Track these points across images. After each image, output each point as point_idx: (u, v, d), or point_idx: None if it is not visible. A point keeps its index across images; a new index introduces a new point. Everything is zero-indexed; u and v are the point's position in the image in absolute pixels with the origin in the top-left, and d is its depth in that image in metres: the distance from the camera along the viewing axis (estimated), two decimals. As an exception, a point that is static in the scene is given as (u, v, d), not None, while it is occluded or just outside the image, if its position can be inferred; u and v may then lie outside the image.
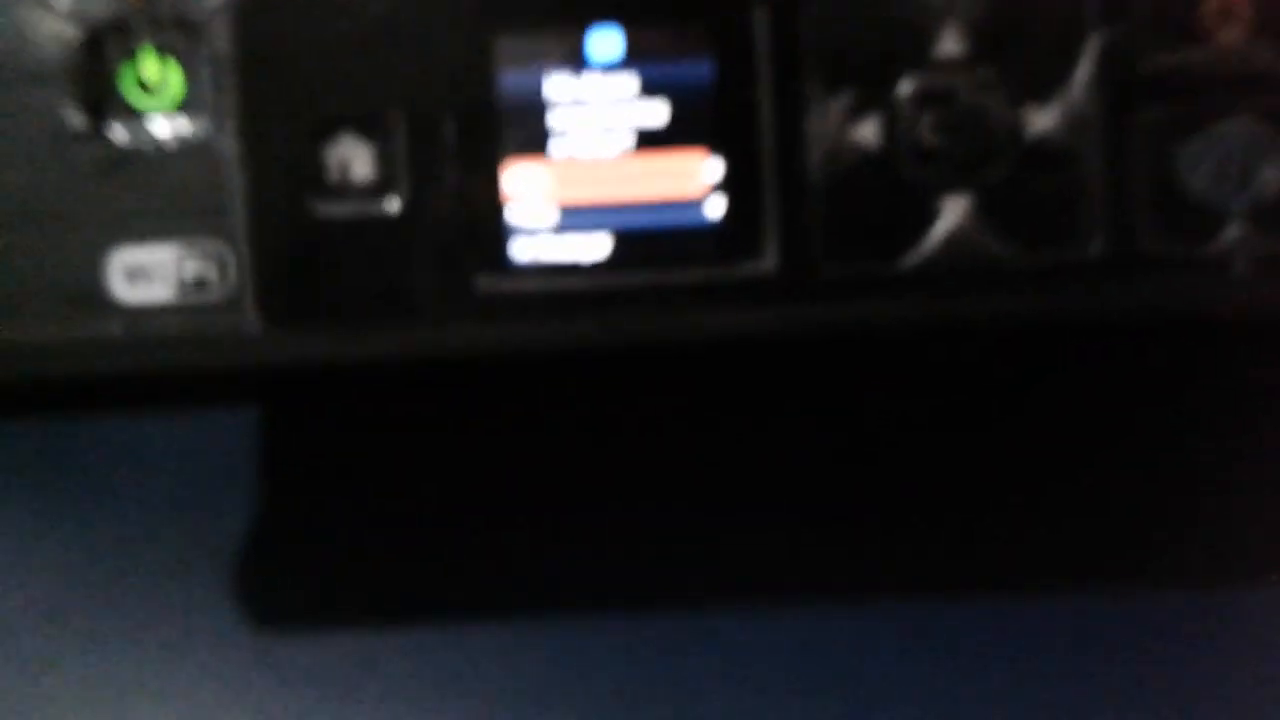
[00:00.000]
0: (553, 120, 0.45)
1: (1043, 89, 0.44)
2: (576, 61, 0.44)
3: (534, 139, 0.45)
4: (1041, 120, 0.44)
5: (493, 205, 0.45)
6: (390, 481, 0.53)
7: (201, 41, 0.44)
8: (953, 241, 0.44)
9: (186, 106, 0.44)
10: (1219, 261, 0.44)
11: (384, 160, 0.44)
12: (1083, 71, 0.43)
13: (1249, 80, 0.43)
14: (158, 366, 0.45)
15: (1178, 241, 0.44)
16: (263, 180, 0.44)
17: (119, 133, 0.44)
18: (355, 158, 0.45)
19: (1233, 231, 0.44)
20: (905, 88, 0.44)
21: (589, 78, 0.44)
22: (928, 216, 0.44)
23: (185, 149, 0.44)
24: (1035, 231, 0.44)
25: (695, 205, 0.45)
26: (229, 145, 0.44)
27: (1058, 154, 0.44)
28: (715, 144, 0.44)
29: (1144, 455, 0.51)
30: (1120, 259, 0.44)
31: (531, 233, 0.45)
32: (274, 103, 0.44)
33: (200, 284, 0.45)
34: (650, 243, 0.45)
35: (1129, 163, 0.44)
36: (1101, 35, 0.43)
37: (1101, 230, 0.44)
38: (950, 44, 0.44)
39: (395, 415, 0.52)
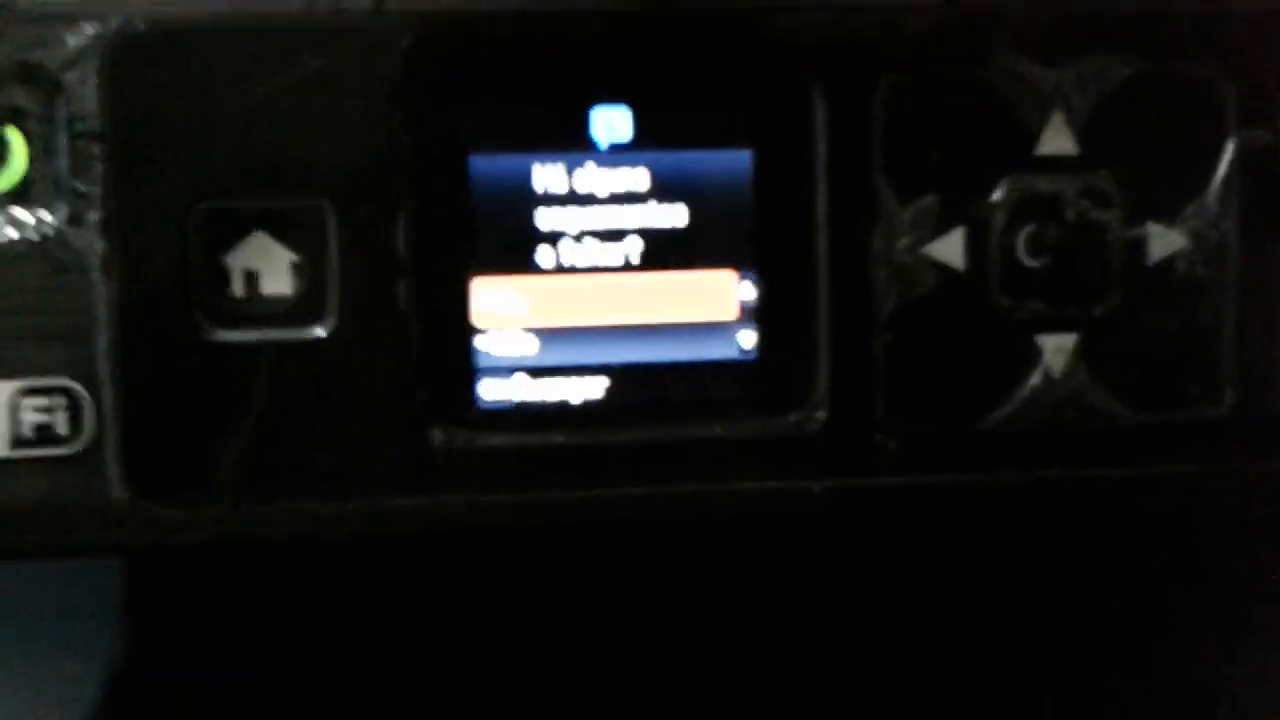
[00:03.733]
0: (538, 222, 0.33)
1: (1169, 201, 0.34)
2: (572, 148, 0.33)
3: (513, 246, 0.33)
4: (1167, 241, 0.34)
5: (456, 332, 0.33)
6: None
7: (56, 100, 0.32)
8: (1052, 394, 0.34)
9: (31, 189, 0.32)
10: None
11: (307, 270, 0.33)
12: (1219, 182, 0.34)
13: None
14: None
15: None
16: (137, 293, 0.32)
17: (-68, 222, 0.32)
18: (267, 265, 0.33)
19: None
20: (999, 195, 0.34)
21: (588, 169, 0.33)
22: (1022, 361, 0.34)
23: (28, 248, 0.32)
24: (1155, 383, 0.35)
25: (722, 334, 0.34)
26: (92, 244, 0.32)
27: (1185, 284, 0.34)
28: (751, 259, 0.34)
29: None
30: (1258, 419, 0.35)
31: (506, 370, 0.34)
32: (156, 187, 0.32)
33: (44, 435, 0.32)
34: (660, 383, 0.34)
35: (1272, 297, 0.34)
36: (1246, 135, 0.34)
37: (1237, 384, 0.35)
38: (1056, 141, 0.34)
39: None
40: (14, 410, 0.32)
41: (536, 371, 0.34)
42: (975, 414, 0.34)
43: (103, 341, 0.32)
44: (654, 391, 0.34)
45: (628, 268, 0.34)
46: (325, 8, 0.32)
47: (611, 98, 0.33)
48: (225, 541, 0.33)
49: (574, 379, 0.34)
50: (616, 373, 0.34)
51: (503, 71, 0.33)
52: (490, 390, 0.34)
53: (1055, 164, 0.34)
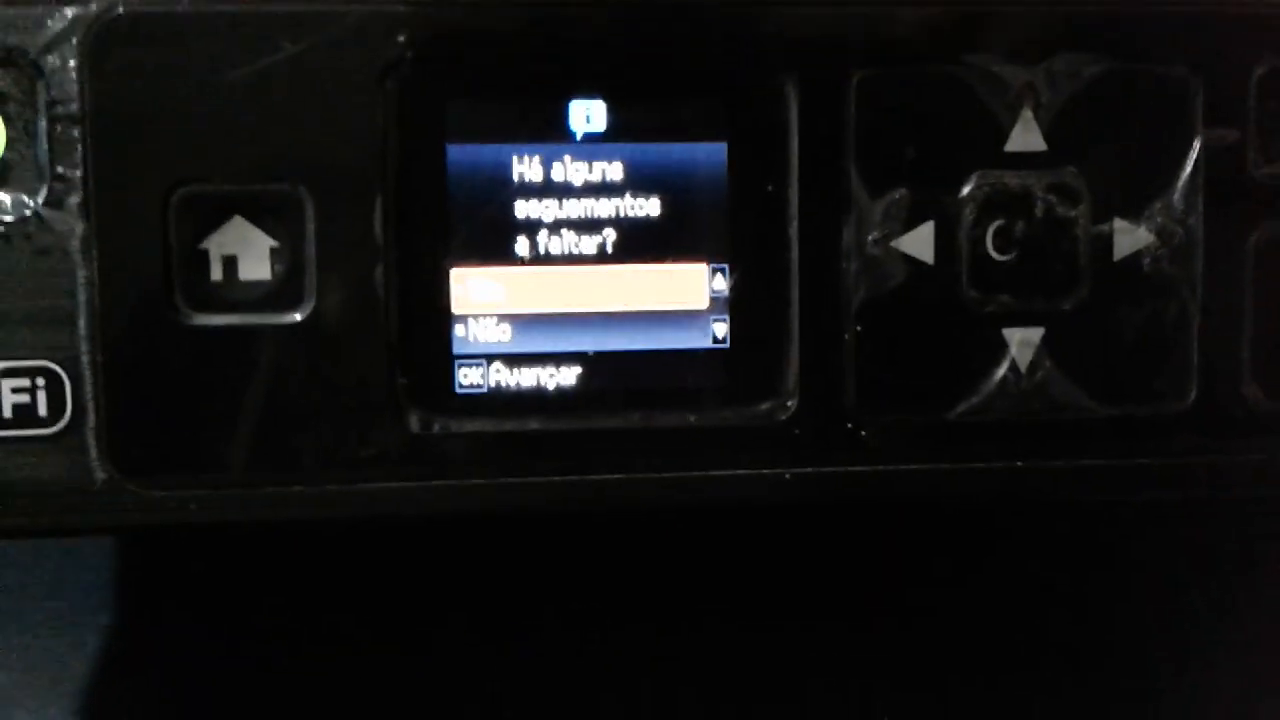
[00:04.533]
0: (516, 212, 0.34)
1: (1135, 198, 0.35)
2: (550, 139, 0.34)
3: (490, 235, 0.34)
4: (1133, 238, 0.35)
5: (434, 319, 0.34)
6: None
7: (35, 83, 0.32)
8: (1017, 386, 0.35)
9: (11, 172, 0.32)
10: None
11: (285, 254, 0.33)
12: (1185, 179, 0.35)
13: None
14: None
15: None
16: (117, 276, 0.32)
17: (-86, 204, 0.32)
18: (246, 250, 0.33)
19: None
20: (968, 190, 0.34)
21: (564, 161, 0.34)
22: (989, 353, 0.35)
23: (8, 231, 0.32)
24: (1120, 376, 0.35)
25: (695, 323, 0.35)
26: (72, 227, 0.32)
27: (1150, 280, 0.35)
28: (724, 251, 0.34)
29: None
30: (1220, 413, 0.35)
31: (483, 356, 0.34)
32: (136, 171, 0.32)
33: (24, 416, 0.32)
34: (633, 371, 0.35)
35: (1236, 294, 0.35)
36: (1212, 134, 0.35)
37: (1200, 378, 0.35)
38: (1025, 138, 0.34)
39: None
40: (-7, 393, 0.32)
41: (512, 359, 0.34)
42: (943, 404, 0.35)
43: (83, 324, 0.32)
44: (628, 379, 0.35)
45: (602, 258, 0.34)
46: None
47: (588, 90, 0.34)
48: (203, 523, 0.33)
49: (549, 366, 0.34)
50: (590, 360, 0.34)
51: (481, 62, 0.33)
52: (467, 376, 0.34)
53: (1024, 160, 0.34)
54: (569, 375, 0.34)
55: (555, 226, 0.34)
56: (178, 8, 0.32)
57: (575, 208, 0.34)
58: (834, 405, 0.35)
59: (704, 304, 0.35)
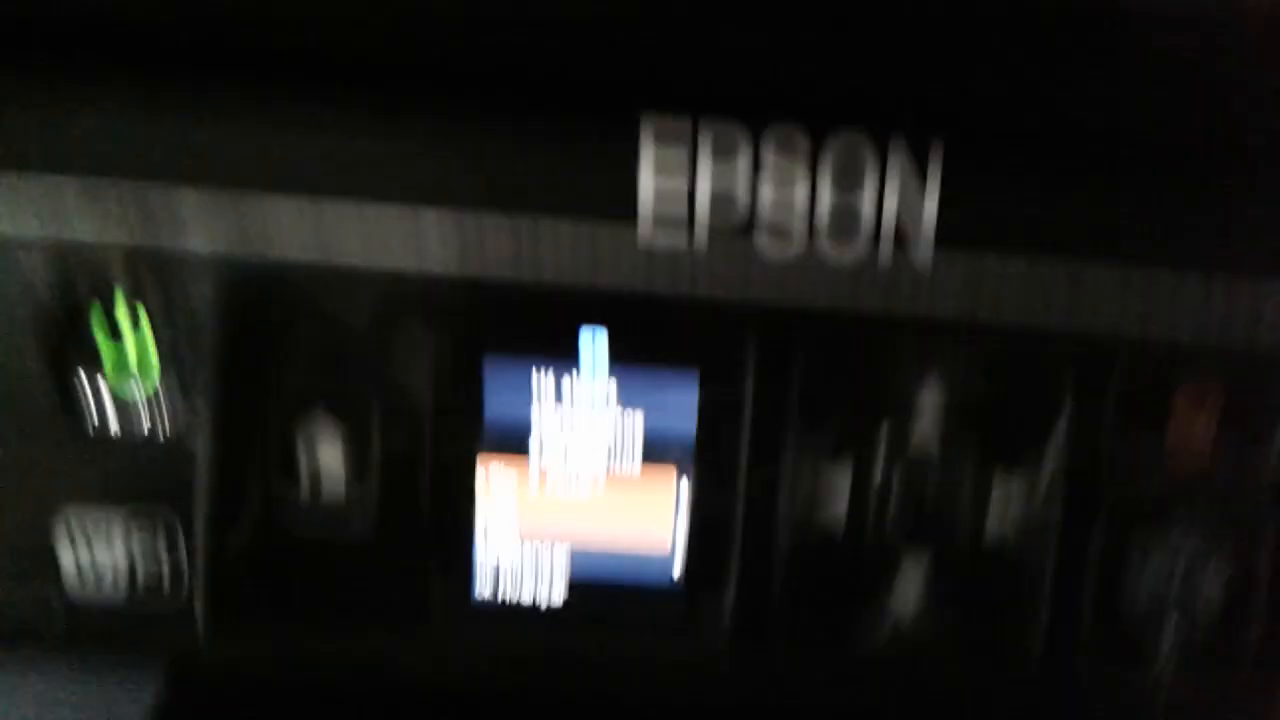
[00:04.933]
0: (533, 419, 0.43)
1: (1010, 479, 0.42)
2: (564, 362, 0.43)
3: (513, 438, 0.43)
4: (1009, 497, 0.42)
5: (460, 532, 0.43)
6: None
7: (183, 310, 0.41)
8: (906, 625, 0.43)
9: (160, 389, 0.42)
10: (1148, 692, 0.43)
11: (356, 470, 0.43)
12: (1051, 470, 0.42)
13: (1209, 496, 0.42)
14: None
15: (1111, 662, 0.43)
16: (229, 481, 0.42)
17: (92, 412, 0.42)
18: (328, 469, 0.43)
19: (1163, 665, 0.43)
20: (881, 449, 0.42)
21: (571, 377, 0.43)
22: (886, 591, 0.43)
23: (153, 427, 0.42)
24: (993, 622, 0.43)
25: (659, 562, 0.43)
26: (195, 435, 0.42)
27: (1016, 545, 0.42)
28: (690, 461, 0.43)
29: None
30: (1052, 671, 0.43)
31: (494, 570, 0.44)
32: (249, 397, 0.42)
33: (145, 558, 0.42)
34: (607, 598, 0.44)
35: (1083, 572, 0.42)
36: (1078, 410, 0.41)
37: (1044, 639, 0.42)
38: (930, 412, 0.42)
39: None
40: (126, 535, 0.42)
41: (516, 577, 0.43)
42: (846, 638, 0.43)
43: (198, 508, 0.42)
44: (603, 605, 0.43)
45: (596, 466, 0.43)
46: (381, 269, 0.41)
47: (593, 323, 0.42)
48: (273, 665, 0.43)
49: (543, 588, 0.43)
50: (573, 586, 0.43)
51: (507, 321, 0.42)
52: (481, 589, 0.43)
53: (927, 428, 0.42)
54: (556, 596, 0.43)
55: (563, 433, 0.43)
56: (285, 272, 0.40)
57: (580, 419, 0.42)
58: (762, 640, 0.42)
59: (668, 548, 0.43)
